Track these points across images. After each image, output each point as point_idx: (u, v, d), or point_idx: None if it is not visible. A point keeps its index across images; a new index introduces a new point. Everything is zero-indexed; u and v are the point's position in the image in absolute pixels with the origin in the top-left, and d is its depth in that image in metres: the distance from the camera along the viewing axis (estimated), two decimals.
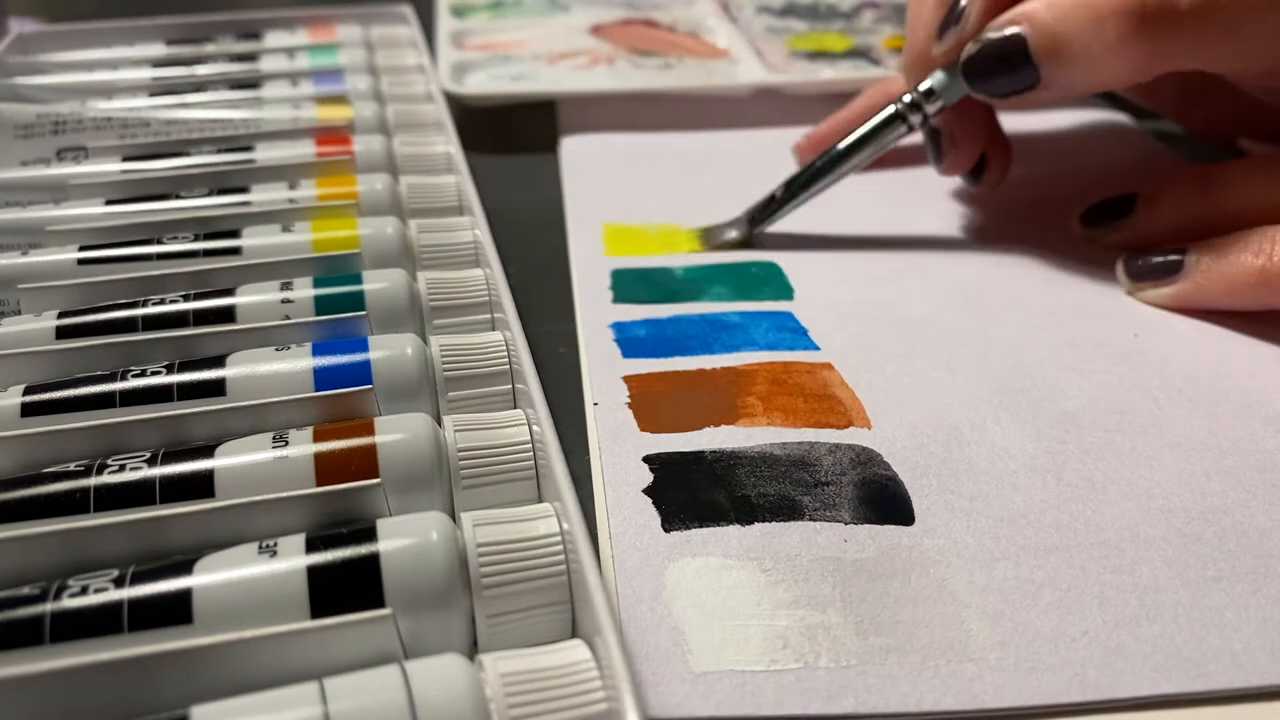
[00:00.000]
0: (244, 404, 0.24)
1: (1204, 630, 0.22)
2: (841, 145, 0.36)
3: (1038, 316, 0.33)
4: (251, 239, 0.31)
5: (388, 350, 0.26)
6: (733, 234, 0.37)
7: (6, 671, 0.17)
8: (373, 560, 0.19)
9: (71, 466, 0.22)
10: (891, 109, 0.35)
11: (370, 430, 0.23)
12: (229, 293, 0.28)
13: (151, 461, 0.22)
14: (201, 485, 0.22)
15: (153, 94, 0.43)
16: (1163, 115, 0.45)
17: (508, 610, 0.20)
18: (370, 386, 0.24)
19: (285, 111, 0.40)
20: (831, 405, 0.28)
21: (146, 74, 0.45)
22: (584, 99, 0.47)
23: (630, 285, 0.35)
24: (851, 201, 0.40)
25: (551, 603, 0.20)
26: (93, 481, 0.22)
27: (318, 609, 0.19)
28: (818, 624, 0.22)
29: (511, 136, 0.46)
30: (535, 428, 0.23)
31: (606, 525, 0.25)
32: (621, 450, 0.27)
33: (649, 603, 0.22)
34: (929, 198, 0.40)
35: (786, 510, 0.25)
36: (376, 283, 0.28)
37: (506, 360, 0.27)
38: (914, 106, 0.35)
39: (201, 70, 0.45)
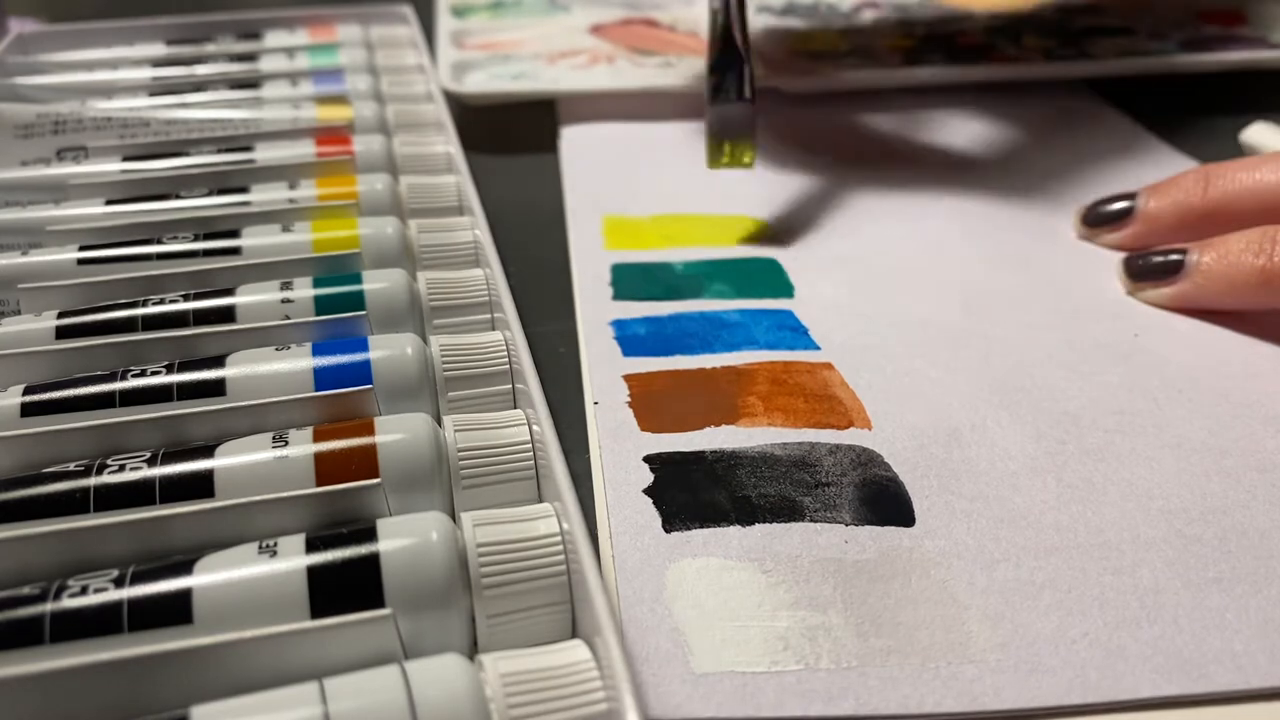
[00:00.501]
0: (244, 404, 0.24)
1: (1204, 632, 0.22)
2: None
3: (1038, 316, 0.33)
4: (251, 239, 0.31)
5: (388, 350, 0.26)
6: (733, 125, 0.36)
7: (6, 671, 0.17)
8: (373, 560, 0.19)
9: (71, 466, 0.22)
10: None
11: (370, 430, 0.23)
12: (229, 293, 0.28)
13: (151, 461, 0.22)
14: (201, 485, 0.22)
15: (153, 94, 0.43)
16: None
17: (508, 610, 0.20)
18: (370, 386, 0.24)
19: (285, 111, 0.40)
20: (832, 405, 0.28)
21: (146, 74, 0.45)
22: (583, 98, 0.47)
23: (630, 281, 0.35)
24: (853, 200, 0.40)
25: (551, 603, 0.20)
26: (93, 481, 0.22)
27: (318, 609, 0.19)
28: (818, 625, 0.22)
29: (511, 136, 0.46)
30: (535, 428, 0.23)
31: (607, 525, 0.25)
32: (621, 450, 0.27)
33: (649, 603, 0.22)
34: (930, 197, 0.40)
35: (787, 511, 0.25)
36: (376, 283, 0.28)
37: (506, 360, 0.27)
38: None
39: (201, 70, 0.45)
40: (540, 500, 0.23)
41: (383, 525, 0.20)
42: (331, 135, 0.38)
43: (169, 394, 0.25)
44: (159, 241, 0.31)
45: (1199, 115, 0.47)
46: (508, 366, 0.27)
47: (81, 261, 0.30)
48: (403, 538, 0.20)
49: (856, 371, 0.30)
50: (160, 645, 0.18)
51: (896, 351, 0.31)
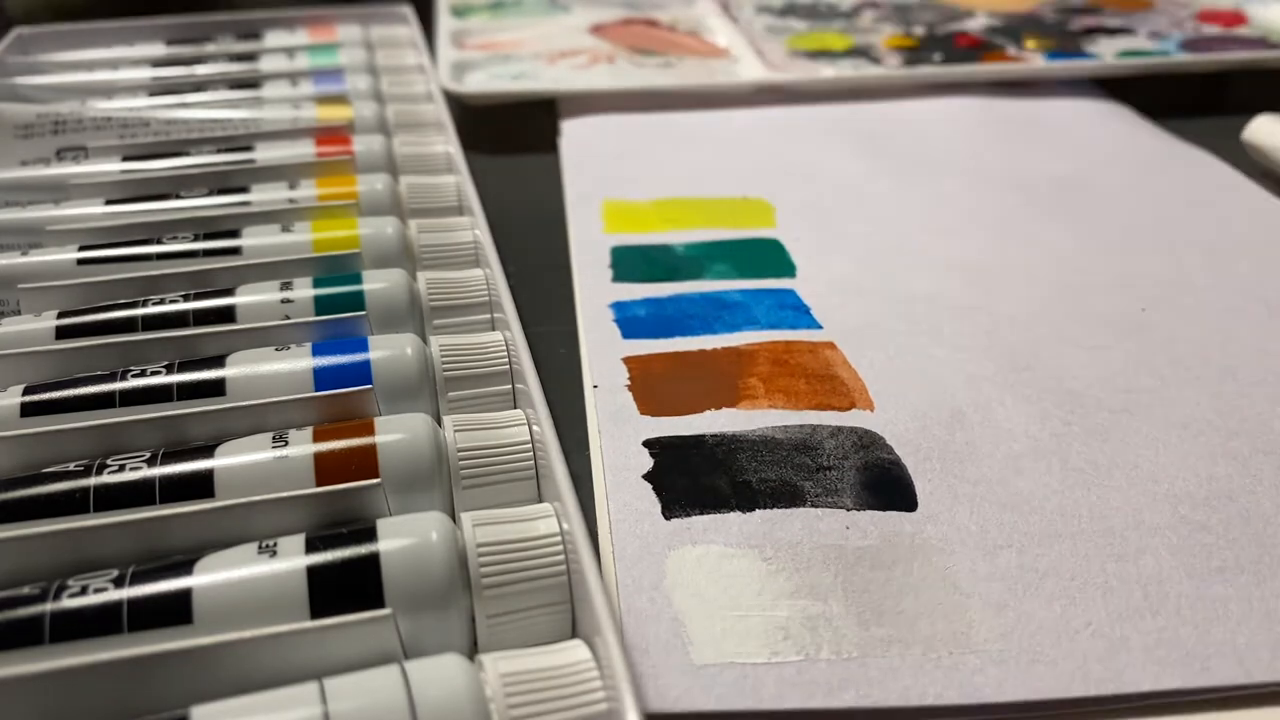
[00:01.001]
0: (244, 404, 0.24)
1: (1207, 624, 0.22)
2: None
3: (1042, 291, 0.33)
4: (251, 239, 0.31)
5: (387, 350, 0.26)
6: None
7: (6, 671, 0.17)
8: (373, 560, 0.19)
9: (71, 466, 0.22)
10: None
11: (370, 430, 0.23)
12: (229, 293, 0.28)
13: (151, 461, 0.22)
14: (201, 485, 0.22)
15: (153, 94, 0.43)
16: None
17: (508, 610, 0.20)
18: (370, 386, 0.24)
19: (285, 111, 0.40)
20: (834, 386, 0.28)
21: (146, 74, 0.45)
22: (584, 98, 0.47)
23: (630, 263, 0.34)
24: (853, 176, 0.40)
25: (551, 603, 0.20)
26: (93, 481, 0.22)
27: (318, 609, 0.19)
28: (819, 614, 0.22)
29: (511, 136, 0.45)
30: (535, 428, 0.23)
31: (606, 511, 0.25)
32: (621, 434, 0.27)
33: (649, 592, 0.22)
34: (932, 172, 0.40)
35: (788, 496, 0.25)
36: (376, 283, 0.28)
37: (506, 360, 0.27)
38: None
39: (201, 70, 0.45)
40: (540, 500, 0.23)
41: (383, 525, 0.20)
42: (331, 135, 0.38)
43: (169, 394, 0.25)
44: (159, 241, 0.31)
45: (1199, 115, 0.47)
46: (508, 366, 0.26)
47: (81, 261, 0.30)
48: (402, 538, 0.20)
49: (859, 350, 0.30)
50: (160, 645, 0.18)
51: (899, 329, 0.31)
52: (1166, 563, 0.23)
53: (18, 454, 0.23)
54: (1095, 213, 0.38)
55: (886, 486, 0.25)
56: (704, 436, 0.27)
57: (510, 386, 0.26)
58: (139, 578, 0.19)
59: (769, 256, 0.35)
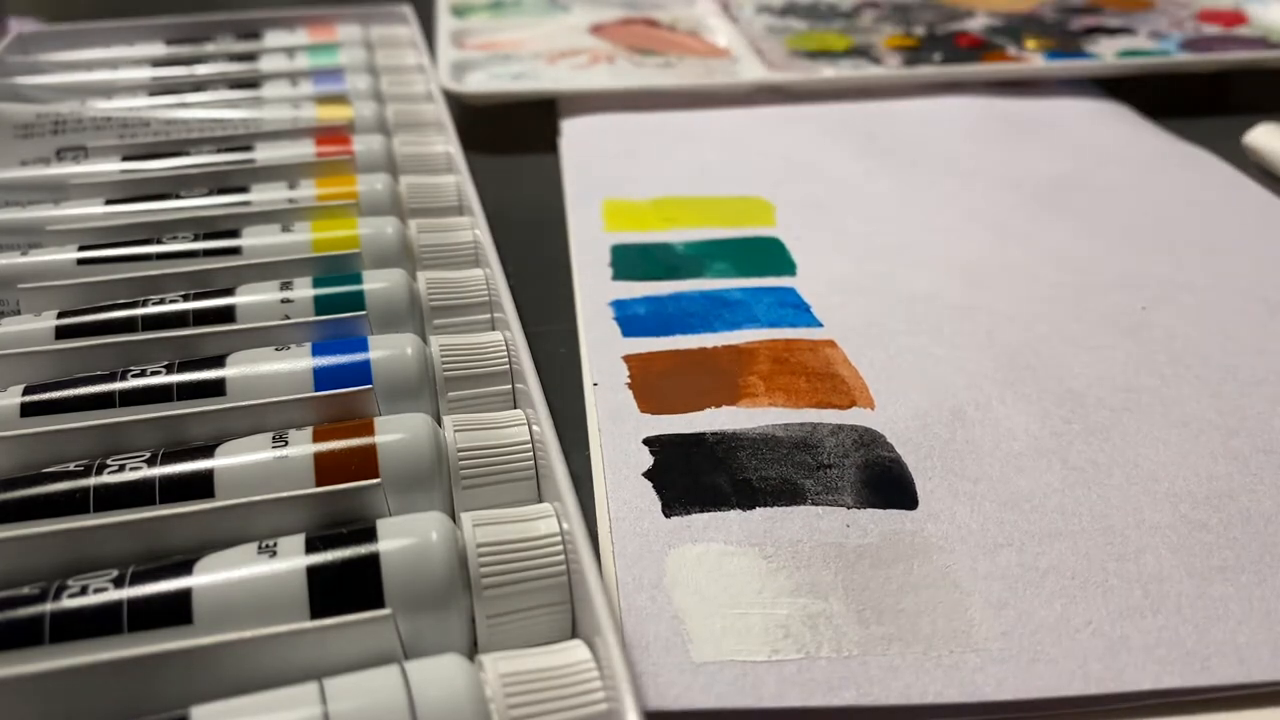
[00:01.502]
0: (244, 404, 0.24)
1: (1208, 623, 0.22)
2: None
3: (1043, 289, 0.33)
4: (251, 239, 0.31)
5: (387, 350, 0.26)
6: None
7: (6, 671, 0.17)
8: (373, 560, 0.19)
9: (71, 466, 0.22)
10: None
11: (370, 430, 0.23)
12: (229, 293, 0.28)
13: (151, 461, 0.22)
14: (201, 485, 0.22)
15: (153, 94, 0.42)
16: None
17: (508, 610, 0.20)
18: (370, 386, 0.24)
19: (285, 111, 0.40)
20: (834, 384, 0.28)
21: (146, 74, 0.45)
22: (583, 98, 0.47)
23: (630, 261, 0.34)
24: (853, 175, 0.40)
25: (551, 603, 0.20)
26: (93, 481, 0.22)
27: (317, 609, 0.19)
28: (819, 612, 0.22)
29: (511, 136, 0.45)
30: (535, 428, 0.23)
31: (606, 509, 0.25)
32: (621, 432, 0.27)
33: (649, 590, 0.22)
34: (932, 171, 0.40)
35: (788, 494, 0.25)
36: (376, 283, 0.28)
37: (506, 360, 0.27)
38: None
39: (201, 70, 0.45)
40: (540, 500, 0.23)
41: (382, 525, 0.20)
42: (331, 135, 0.38)
43: (169, 394, 0.25)
44: (159, 241, 0.31)
45: (1199, 115, 0.47)
46: (508, 366, 0.26)
47: (81, 261, 0.30)
48: (402, 538, 0.20)
49: (859, 348, 0.30)
50: (160, 645, 0.18)
51: (900, 327, 0.31)
52: (1167, 561, 0.23)
53: (18, 454, 0.23)
54: (1095, 212, 0.38)
55: (887, 485, 0.25)
56: (704, 434, 0.27)
57: (510, 386, 0.26)
58: (139, 578, 0.19)
59: (769, 255, 0.35)
